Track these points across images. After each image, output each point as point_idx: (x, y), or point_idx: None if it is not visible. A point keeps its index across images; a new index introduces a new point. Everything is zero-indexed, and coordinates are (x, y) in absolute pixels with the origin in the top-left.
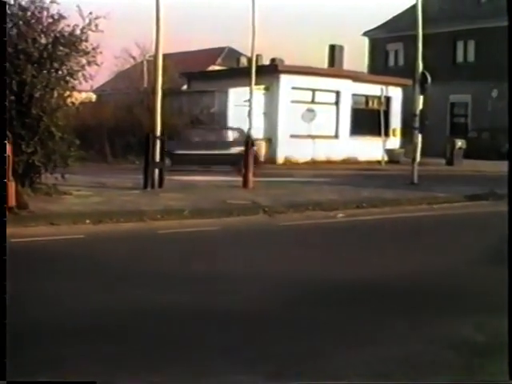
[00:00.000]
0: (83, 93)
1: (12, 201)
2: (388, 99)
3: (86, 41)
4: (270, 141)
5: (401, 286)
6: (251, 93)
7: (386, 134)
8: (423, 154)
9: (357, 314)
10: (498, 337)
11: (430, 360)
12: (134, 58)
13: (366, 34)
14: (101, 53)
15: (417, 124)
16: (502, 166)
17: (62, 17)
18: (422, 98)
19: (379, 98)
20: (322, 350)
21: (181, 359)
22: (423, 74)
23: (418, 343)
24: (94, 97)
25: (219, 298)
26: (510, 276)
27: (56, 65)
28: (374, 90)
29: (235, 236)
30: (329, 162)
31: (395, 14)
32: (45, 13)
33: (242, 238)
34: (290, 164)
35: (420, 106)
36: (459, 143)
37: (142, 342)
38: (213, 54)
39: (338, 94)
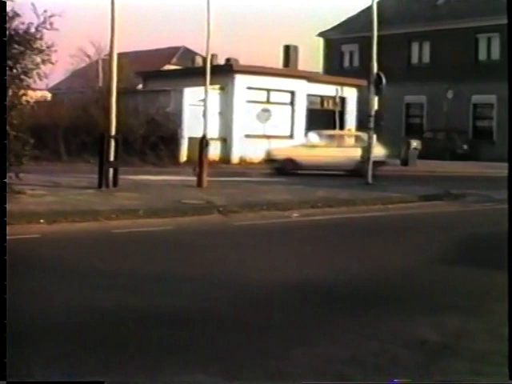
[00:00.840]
0: (38, 91)
1: None
2: (343, 100)
3: (41, 39)
4: (225, 140)
5: (354, 285)
6: (206, 92)
7: None
8: None
9: (307, 314)
10: (453, 336)
11: (388, 359)
12: (89, 56)
13: (321, 34)
14: (56, 51)
15: (372, 124)
16: (456, 167)
17: (16, 14)
18: (376, 98)
19: (334, 98)
20: (271, 350)
21: (123, 359)
22: (378, 74)
23: (374, 342)
24: (49, 95)
25: (168, 297)
26: (510, 277)
27: (10, 63)
28: (328, 90)
29: (189, 236)
30: None
31: (350, 15)
32: None
33: (195, 237)
34: (244, 164)
35: (375, 106)
36: (414, 144)
37: (88, 342)
38: (168, 53)
39: (292, 94)
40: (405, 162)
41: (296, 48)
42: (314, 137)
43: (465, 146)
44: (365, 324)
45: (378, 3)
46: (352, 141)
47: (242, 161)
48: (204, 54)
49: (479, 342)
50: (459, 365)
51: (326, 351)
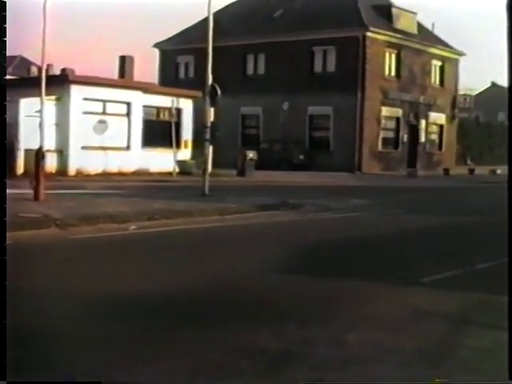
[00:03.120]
0: None
1: None
2: (179, 111)
3: None
4: (62, 152)
5: (192, 297)
6: (42, 103)
7: (178, 146)
8: (215, 165)
9: (148, 328)
10: (294, 344)
11: (229, 370)
12: None
13: (156, 45)
14: None
15: (208, 135)
16: (293, 177)
17: None
18: (212, 109)
19: (170, 109)
20: (116, 364)
21: None
22: (213, 86)
23: (214, 354)
24: None
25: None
26: (510, 275)
27: None
28: (164, 101)
29: (25, 251)
30: (121, 174)
31: (186, 27)
32: None
33: (31, 252)
34: (81, 176)
35: (211, 117)
36: (250, 154)
37: None
38: None
39: (128, 105)
40: (241, 173)
41: (132, 59)
42: None
43: (301, 156)
44: (205, 336)
45: (215, 14)
46: None
47: (79, 173)
48: (40, 64)
49: (320, 349)
50: (301, 373)
51: (167, 364)
